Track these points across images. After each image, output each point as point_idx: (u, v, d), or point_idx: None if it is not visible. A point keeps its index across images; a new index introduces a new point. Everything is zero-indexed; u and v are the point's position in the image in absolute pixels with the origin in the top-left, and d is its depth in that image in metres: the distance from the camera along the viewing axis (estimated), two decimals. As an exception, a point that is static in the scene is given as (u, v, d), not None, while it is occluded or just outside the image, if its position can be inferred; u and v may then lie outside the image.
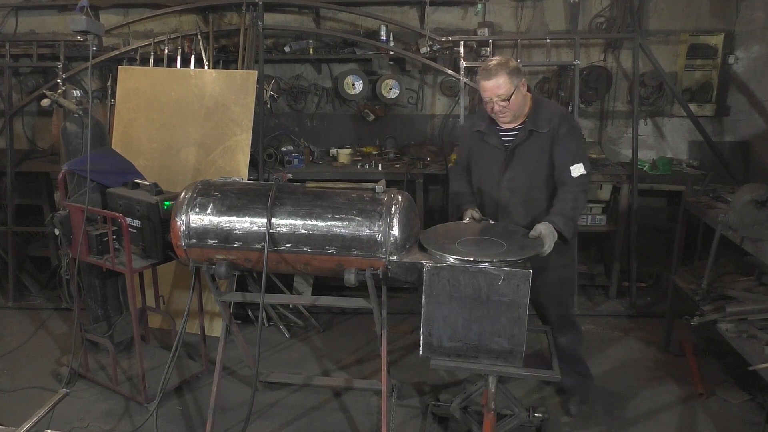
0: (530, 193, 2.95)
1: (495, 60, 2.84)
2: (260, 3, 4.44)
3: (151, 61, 4.73)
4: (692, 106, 4.71)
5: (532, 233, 2.66)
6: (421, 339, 2.50)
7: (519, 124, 2.94)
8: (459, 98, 4.61)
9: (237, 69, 4.63)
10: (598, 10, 4.84)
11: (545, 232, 2.65)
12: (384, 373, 2.90)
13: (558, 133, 2.85)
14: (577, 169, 2.83)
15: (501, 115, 2.87)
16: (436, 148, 5.04)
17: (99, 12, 4.99)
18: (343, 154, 4.87)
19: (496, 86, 2.77)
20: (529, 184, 2.93)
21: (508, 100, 2.79)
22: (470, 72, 4.61)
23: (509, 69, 2.77)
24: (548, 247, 2.63)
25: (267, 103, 4.82)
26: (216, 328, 4.16)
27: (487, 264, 2.38)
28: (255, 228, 2.68)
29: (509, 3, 4.93)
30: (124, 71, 4.46)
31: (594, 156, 4.68)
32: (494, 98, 2.80)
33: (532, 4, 4.91)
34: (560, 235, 2.71)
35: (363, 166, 4.71)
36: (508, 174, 2.95)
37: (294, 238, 2.66)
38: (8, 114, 4.82)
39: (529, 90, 2.96)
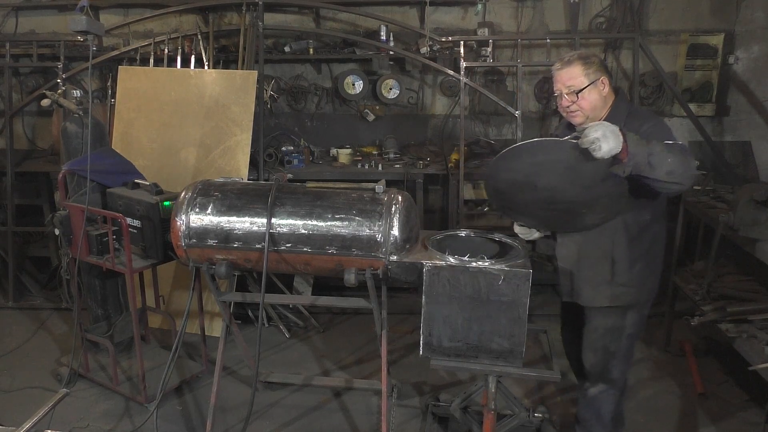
0: None
1: (576, 51, 2.56)
2: (260, 3, 4.43)
3: (151, 61, 4.73)
4: (692, 106, 4.70)
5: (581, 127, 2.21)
6: (421, 339, 2.50)
7: None
8: (459, 98, 4.60)
9: (237, 69, 4.63)
10: (598, 10, 4.84)
11: (596, 125, 2.13)
12: (384, 373, 2.90)
13: (639, 131, 2.29)
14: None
15: (571, 114, 2.49)
16: (436, 148, 5.04)
17: (99, 12, 5.00)
18: (343, 154, 4.86)
19: (568, 76, 2.44)
20: None
21: (578, 94, 2.43)
22: (470, 72, 4.59)
23: (587, 61, 2.44)
24: (588, 138, 2.08)
25: (267, 103, 4.82)
26: (216, 328, 4.16)
27: (487, 264, 2.38)
28: (255, 228, 2.68)
29: (509, 3, 4.93)
30: (124, 71, 4.46)
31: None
32: (564, 90, 2.45)
33: (532, 4, 4.91)
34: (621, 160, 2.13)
35: (363, 166, 4.71)
36: None
37: (294, 238, 2.66)
38: (8, 114, 4.82)
39: (617, 93, 2.55)
